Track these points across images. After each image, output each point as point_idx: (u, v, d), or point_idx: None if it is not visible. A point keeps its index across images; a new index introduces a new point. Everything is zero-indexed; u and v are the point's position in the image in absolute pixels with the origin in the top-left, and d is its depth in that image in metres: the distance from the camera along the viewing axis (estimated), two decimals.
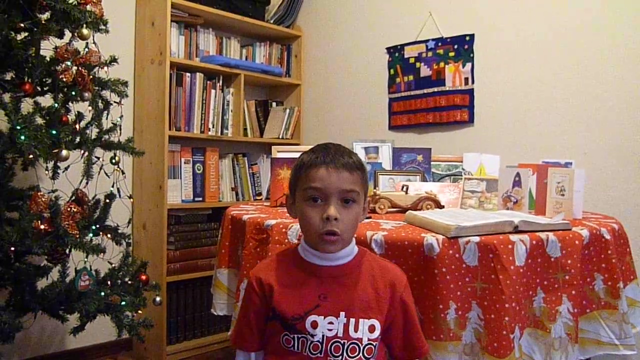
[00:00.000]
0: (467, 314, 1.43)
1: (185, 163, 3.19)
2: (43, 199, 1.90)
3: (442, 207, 2.06)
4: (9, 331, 1.85)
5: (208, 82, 3.28)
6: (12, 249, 1.86)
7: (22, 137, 1.75)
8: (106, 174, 2.28)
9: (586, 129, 2.58)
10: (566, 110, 2.64)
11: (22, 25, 1.91)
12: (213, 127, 3.31)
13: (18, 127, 1.77)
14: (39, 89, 2.08)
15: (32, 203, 1.90)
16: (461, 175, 2.43)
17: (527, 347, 1.50)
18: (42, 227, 1.86)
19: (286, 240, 1.61)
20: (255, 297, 1.34)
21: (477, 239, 1.46)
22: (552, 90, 2.69)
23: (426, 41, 3.15)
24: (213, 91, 3.31)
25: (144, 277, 2.34)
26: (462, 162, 2.55)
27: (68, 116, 2.10)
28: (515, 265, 1.46)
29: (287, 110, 3.69)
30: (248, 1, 3.50)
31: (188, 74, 3.19)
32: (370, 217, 1.87)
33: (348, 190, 1.28)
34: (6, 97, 1.96)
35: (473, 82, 2.98)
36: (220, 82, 3.35)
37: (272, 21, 3.67)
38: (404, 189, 2.13)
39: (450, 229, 1.46)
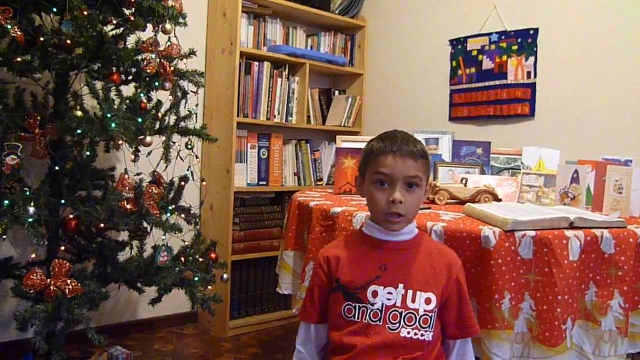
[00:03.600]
0: (519, 304, 1.51)
1: (251, 148, 3.35)
2: (128, 181, 2.08)
3: (499, 200, 2.13)
4: (96, 299, 2.04)
5: (275, 70, 3.42)
6: (102, 225, 2.05)
7: (113, 125, 1.92)
8: (181, 158, 2.45)
9: None
10: (629, 107, 2.64)
11: (113, 21, 2.08)
12: (278, 114, 3.45)
13: (109, 115, 1.95)
14: (123, 78, 2.26)
15: (119, 184, 2.09)
16: (520, 169, 2.48)
17: (577, 338, 1.57)
18: (128, 206, 2.04)
19: (351, 227, 1.73)
20: (321, 273, 1.49)
21: (532, 233, 1.53)
22: (615, 86, 2.69)
23: (489, 34, 3.19)
24: (279, 79, 3.44)
25: (213, 255, 2.51)
26: (521, 155, 2.59)
27: (146, 103, 2.27)
28: (569, 259, 1.52)
29: (350, 99, 3.80)
30: None
31: (256, 63, 3.34)
32: (430, 208, 1.97)
33: (412, 176, 1.41)
34: (98, 84, 2.14)
35: (535, 75, 3.00)
36: (286, 70, 3.49)
37: (337, 11, 3.76)
38: (463, 181, 2.20)
39: (507, 222, 1.54)
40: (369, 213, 1.52)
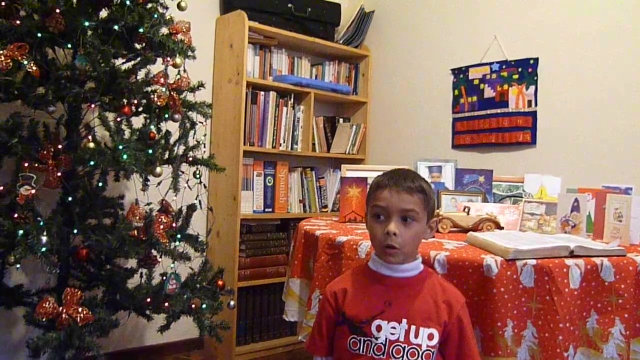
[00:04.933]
0: (522, 332, 1.55)
1: (257, 176, 3.41)
2: (139, 211, 2.13)
3: (501, 228, 2.17)
4: (106, 327, 2.08)
5: (280, 100, 3.49)
6: (113, 254, 2.09)
7: (125, 156, 1.98)
8: (189, 187, 2.50)
9: None
10: (629, 135, 2.69)
11: (126, 56, 2.15)
12: (284, 142, 3.51)
13: (120, 147, 2.00)
14: (134, 110, 2.32)
15: (129, 213, 2.14)
16: (522, 196, 2.52)
17: None
18: (139, 235, 2.09)
19: (357, 256, 1.77)
20: (329, 308, 1.54)
21: (533, 261, 1.57)
22: (615, 114, 2.74)
23: (491, 63, 3.26)
24: (285, 108, 3.51)
25: (220, 283, 2.55)
26: (523, 182, 2.63)
27: (155, 133, 2.33)
28: (570, 287, 1.56)
29: (354, 127, 3.86)
30: (319, 23, 3.69)
31: (262, 93, 3.41)
32: (433, 237, 2.01)
33: (407, 210, 1.45)
34: (109, 116, 2.21)
35: (536, 104, 3.06)
36: (292, 99, 3.56)
37: (341, 42, 3.84)
38: (466, 209, 2.25)
39: (508, 251, 1.58)
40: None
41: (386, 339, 1.43)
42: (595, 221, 2.12)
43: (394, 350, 1.42)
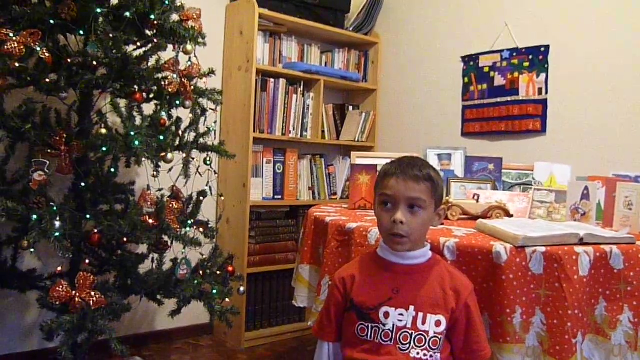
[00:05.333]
0: (530, 318, 1.56)
1: (266, 163, 3.42)
2: (150, 197, 2.15)
3: (511, 216, 2.17)
4: (118, 310, 2.11)
5: (290, 87, 3.50)
6: (125, 239, 2.12)
7: (136, 142, 2.00)
8: (199, 173, 2.52)
9: None
10: (639, 123, 2.69)
11: (137, 43, 2.16)
12: (293, 129, 3.52)
13: (132, 133, 2.02)
14: (145, 96, 2.33)
15: (141, 199, 2.16)
16: (531, 184, 2.52)
17: (587, 352, 1.61)
18: (150, 221, 2.11)
19: (366, 243, 1.78)
20: (338, 294, 1.56)
21: (543, 249, 1.58)
22: (626, 102, 2.73)
23: (501, 51, 3.24)
24: (294, 96, 3.51)
25: (230, 269, 2.57)
26: (533, 171, 2.63)
27: (166, 119, 2.35)
28: (579, 275, 1.57)
29: (363, 114, 3.86)
30: (329, 10, 3.68)
31: (272, 80, 3.41)
32: (443, 224, 2.01)
33: (414, 198, 1.47)
34: (121, 103, 2.22)
35: (547, 92, 3.05)
36: (302, 87, 3.56)
37: (351, 29, 3.83)
38: (475, 197, 2.25)
39: (518, 238, 1.59)
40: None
41: (394, 325, 1.44)
42: (605, 209, 2.12)
43: (401, 337, 1.44)
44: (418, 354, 1.43)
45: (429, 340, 1.44)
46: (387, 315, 1.46)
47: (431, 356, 1.44)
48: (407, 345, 1.44)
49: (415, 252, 1.51)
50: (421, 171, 1.49)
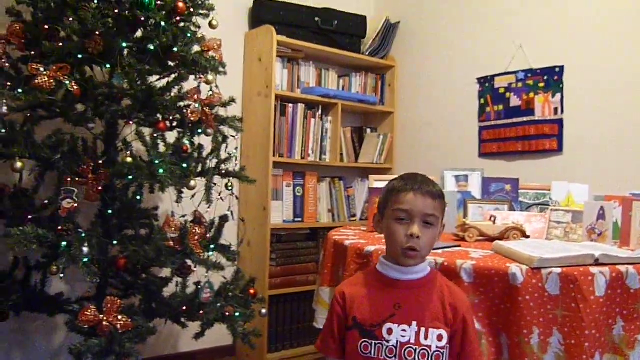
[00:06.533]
0: (548, 339, 1.58)
1: (286, 186, 3.48)
2: (174, 223, 2.22)
3: (527, 237, 2.20)
4: (144, 333, 2.16)
5: (308, 111, 3.57)
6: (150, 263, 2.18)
7: (161, 170, 2.07)
8: (221, 198, 2.58)
9: None
10: None
11: (160, 74, 2.25)
12: (312, 153, 3.59)
13: (157, 162, 2.09)
14: (169, 125, 2.41)
15: (165, 225, 2.23)
16: (549, 204, 2.54)
17: None
18: (174, 245, 2.17)
19: None
20: (339, 308, 1.58)
21: (559, 270, 1.60)
22: None
23: (516, 72, 3.28)
24: (313, 120, 3.58)
25: (252, 291, 2.62)
26: (550, 190, 2.64)
27: (188, 146, 2.41)
28: (595, 295, 1.59)
29: (381, 137, 3.91)
30: (345, 36, 3.76)
31: (291, 105, 3.49)
32: (459, 246, 2.05)
33: (429, 214, 1.51)
34: (145, 132, 2.30)
35: (562, 112, 3.07)
36: (320, 111, 3.63)
37: (367, 53, 3.91)
38: (492, 219, 2.28)
39: (533, 260, 1.62)
40: (384, 251, 1.61)
41: (397, 341, 1.48)
42: (622, 228, 2.13)
43: (405, 353, 1.47)
44: None
45: (432, 354, 1.47)
46: (390, 331, 1.49)
47: None
48: None
49: (417, 267, 1.55)
50: (434, 188, 1.54)
